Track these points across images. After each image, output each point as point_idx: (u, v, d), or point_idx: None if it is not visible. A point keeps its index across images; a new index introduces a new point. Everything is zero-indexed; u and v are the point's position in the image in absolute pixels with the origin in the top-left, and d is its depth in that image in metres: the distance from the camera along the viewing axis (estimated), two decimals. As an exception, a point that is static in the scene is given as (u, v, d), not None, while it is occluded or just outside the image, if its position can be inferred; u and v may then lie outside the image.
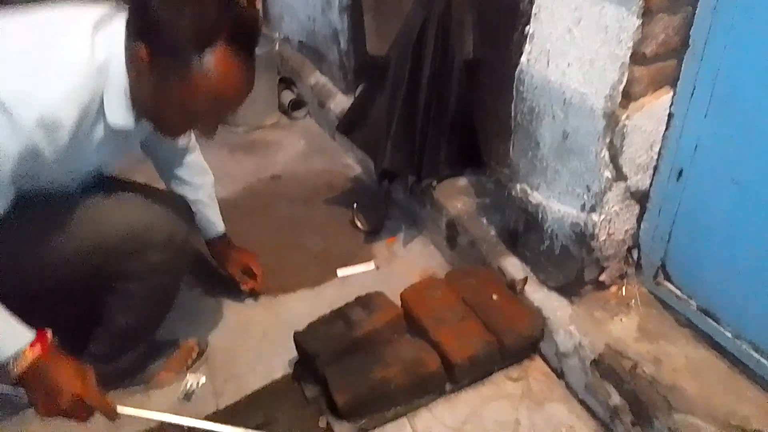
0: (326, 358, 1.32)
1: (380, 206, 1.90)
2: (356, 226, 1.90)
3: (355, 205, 1.92)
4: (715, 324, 1.18)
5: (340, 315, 1.41)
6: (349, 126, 1.78)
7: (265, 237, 1.91)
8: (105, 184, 1.21)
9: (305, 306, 1.63)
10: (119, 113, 1.00)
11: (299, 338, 1.37)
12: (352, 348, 1.34)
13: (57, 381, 0.99)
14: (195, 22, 0.91)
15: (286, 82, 2.61)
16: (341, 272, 1.74)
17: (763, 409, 1.10)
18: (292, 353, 1.44)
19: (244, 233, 1.93)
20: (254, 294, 1.66)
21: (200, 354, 1.49)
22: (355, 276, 1.74)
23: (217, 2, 0.93)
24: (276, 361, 1.48)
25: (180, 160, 1.44)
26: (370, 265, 1.76)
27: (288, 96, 2.56)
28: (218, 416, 1.32)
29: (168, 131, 1.12)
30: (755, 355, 1.12)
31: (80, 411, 1.01)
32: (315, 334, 1.37)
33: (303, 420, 1.30)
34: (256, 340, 1.56)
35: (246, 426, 1.28)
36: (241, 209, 2.05)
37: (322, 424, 1.29)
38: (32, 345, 0.97)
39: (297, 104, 2.55)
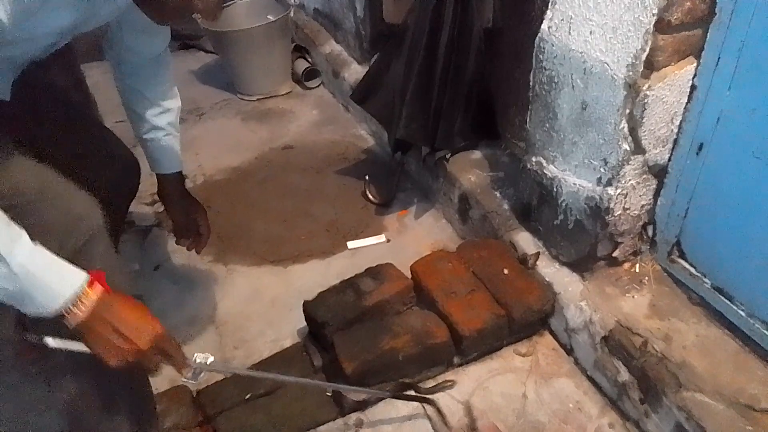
0: (335, 326, 1.32)
1: (392, 178, 1.88)
2: (368, 198, 1.89)
3: (367, 177, 1.91)
4: (728, 302, 1.16)
5: (350, 285, 1.41)
6: (363, 95, 1.75)
7: (276, 205, 1.91)
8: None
9: (315, 276, 1.63)
10: None
11: (309, 307, 1.38)
12: (361, 318, 1.34)
13: (132, 319, 0.84)
14: None
15: (300, 51, 2.58)
16: (352, 244, 1.74)
17: (774, 389, 1.09)
18: (302, 322, 1.44)
19: (256, 201, 1.94)
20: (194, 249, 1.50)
21: None
22: (366, 248, 1.73)
23: None
24: (285, 329, 1.49)
25: (149, 75, 1.26)
26: (380, 238, 1.75)
27: (302, 65, 2.53)
28: (227, 382, 1.34)
29: (160, 9, 0.91)
30: (769, 334, 1.10)
31: (154, 357, 0.87)
32: (325, 303, 1.37)
33: (311, 389, 1.30)
34: (266, 307, 1.56)
35: (254, 392, 1.30)
36: (253, 177, 2.05)
37: (329, 393, 1.29)
38: (91, 283, 0.82)
39: (311, 73, 2.52)
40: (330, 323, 1.32)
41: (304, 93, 2.55)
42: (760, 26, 0.95)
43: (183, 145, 2.32)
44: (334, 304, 1.36)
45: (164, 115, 1.31)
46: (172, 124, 1.33)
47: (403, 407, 1.28)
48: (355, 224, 1.81)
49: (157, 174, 1.39)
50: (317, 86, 2.55)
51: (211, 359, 1.44)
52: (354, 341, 1.29)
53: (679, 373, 1.13)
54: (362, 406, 1.27)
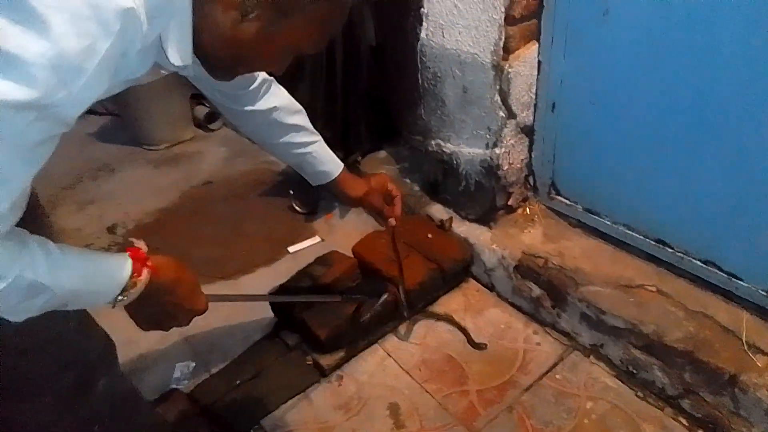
0: (302, 306, 1.53)
1: (313, 189, 2.12)
2: (295, 210, 2.12)
3: (291, 191, 2.14)
4: (597, 217, 1.54)
5: (305, 273, 1.63)
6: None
7: (210, 233, 2.08)
8: None
9: (266, 281, 1.82)
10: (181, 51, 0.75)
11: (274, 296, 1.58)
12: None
13: (179, 304, 0.90)
14: None
15: (196, 98, 2.76)
16: (292, 248, 1.96)
17: (641, 271, 1.46)
18: (264, 320, 1.64)
19: (190, 232, 2.09)
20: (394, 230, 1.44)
21: None
22: (305, 249, 1.95)
23: None
24: (252, 327, 1.66)
25: (258, 98, 1.14)
26: (315, 239, 1.99)
27: (201, 111, 2.72)
28: (214, 377, 1.50)
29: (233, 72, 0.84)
30: (629, 232, 1.48)
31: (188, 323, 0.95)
32: (287, 290, 1.58)
33: (291, 363, 1.51)
34: (227, 314, 1.71)
35: (242, 378, 1.48)
36: (180, 214, 2.20)
37: (309, 362, 1.50)
38: (137, 267, 0.83)
39: (212, 116, 2.72)
40: (297, 305, 1.53)
41: (208, 135, 2.73)
42: (576, 11, 1.34)
43: (102, 198, 2.41)
44: (295, 290, 1.58)
45: (302, 132, 1.23)
46: (313, 131, 1.26)
47: (372, 360, 1.52)
48: (289, 233, 2.03)
49: (329, 183, 1.31)
50: (219, 128, 2.75)
51: (192, 365, 1.60)
52: (321, 314, 1.51)
53: (574, 276, 1.48)
54: (340, 363, 1.49)
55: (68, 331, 0.79)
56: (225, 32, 0.74)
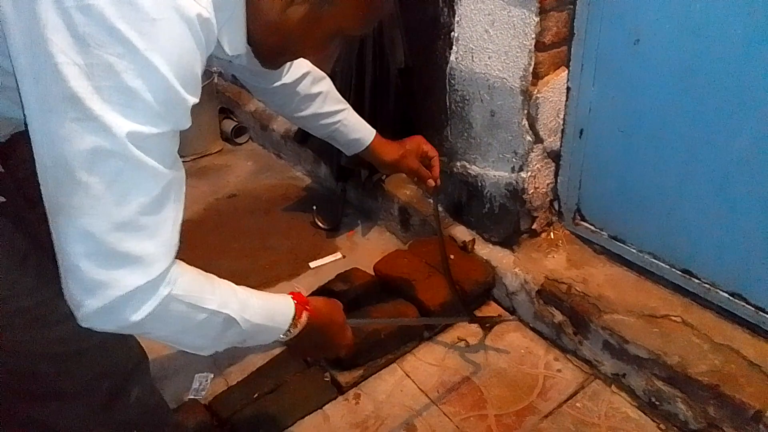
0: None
1: (337, 205, 2.15)
2: (318, 226, 2.14)
3: (314, 207, 2.17)
4: (622, 245, 1.53)
5: (325, 289, 1.64)
6: (303, 135, 2.03)
7: (235, 244, 2.11)
8: None
9: (287, 294, 1.84)
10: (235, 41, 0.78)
11: (295, 311, 1.59)
12: (341, 312, 1.57)
13: (329, 341, 1.02)
14: None
15: (225, 112, 2.82)
16: (313, 264, 1.97)
17: (665, 300, 1.45)
18: (285, 333, 1.64)
19: (214, 244, 2.12)
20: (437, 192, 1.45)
21: None
22: (326, 265, 1.97)
23: None
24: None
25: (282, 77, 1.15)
26: (337, 255, 2.00)
27: (229, 124, 2.77)
28: (234, 389, 1.51)
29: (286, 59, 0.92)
30: (655, 261, 1.47)
31: None
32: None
33: (309, 379, 1.51)
34: (248, 327, 1.74)
35: (260, 391, 1.48)
36: (206, 225, 2.23)
37: (327, 378, 1.50)
38: (299, 310, 0.92)
39: (239, 130, 2.77)
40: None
41: (234, 149, 2.78)
42: (606, 40, 1.35)
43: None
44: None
45: (329, 99, 1.23)
46: (341, 99, 1.27)
47: (390, 379, 1.52)
48: (311, 249, 2.05)
49: (360, 152, 1.32)
50: (246, 141, 2.80)
51: (211, 376, 1.62)
52: (341, 331, 1.51)
53: (597, 303, 1.47)
54: (358, 381, 1.49)
55: (107, 341, 0.82)
56: (273, 18, 0.76)
